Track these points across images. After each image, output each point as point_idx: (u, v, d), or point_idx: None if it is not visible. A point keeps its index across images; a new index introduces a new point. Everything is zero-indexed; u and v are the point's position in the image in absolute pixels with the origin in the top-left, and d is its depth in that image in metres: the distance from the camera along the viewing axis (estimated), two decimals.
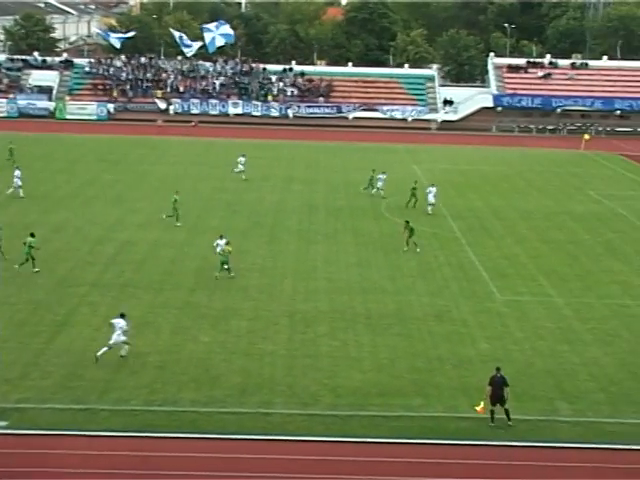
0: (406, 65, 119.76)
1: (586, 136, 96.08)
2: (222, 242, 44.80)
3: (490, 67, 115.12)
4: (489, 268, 47.70)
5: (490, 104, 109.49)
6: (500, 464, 27.04)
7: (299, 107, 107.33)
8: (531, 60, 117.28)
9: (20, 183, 60.12)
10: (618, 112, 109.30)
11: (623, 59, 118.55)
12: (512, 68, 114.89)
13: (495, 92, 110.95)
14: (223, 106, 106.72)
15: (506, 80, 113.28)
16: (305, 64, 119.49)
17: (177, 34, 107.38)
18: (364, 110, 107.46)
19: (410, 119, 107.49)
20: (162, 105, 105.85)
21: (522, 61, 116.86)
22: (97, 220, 54.65)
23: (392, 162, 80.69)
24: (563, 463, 27.25)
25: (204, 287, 42.76)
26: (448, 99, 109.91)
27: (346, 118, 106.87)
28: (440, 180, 66.80)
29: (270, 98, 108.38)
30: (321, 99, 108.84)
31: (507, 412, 29.40)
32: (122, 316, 34.14)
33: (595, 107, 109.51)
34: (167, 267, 45.96)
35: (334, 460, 26.98)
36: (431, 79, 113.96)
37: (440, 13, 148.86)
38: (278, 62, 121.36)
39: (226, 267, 43.80)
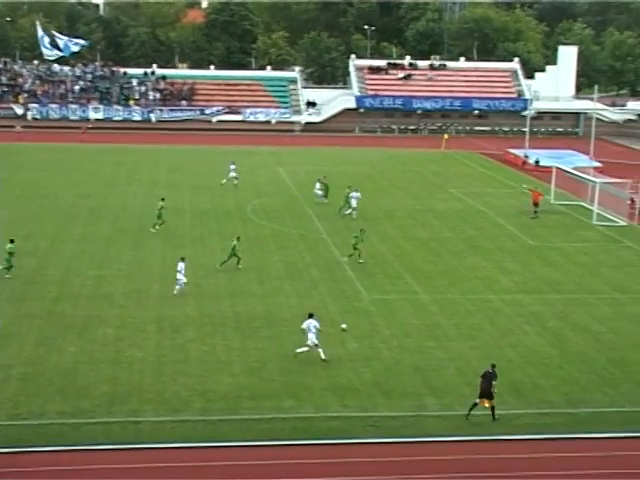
0: (268, 67, 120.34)
1: (446, 136, 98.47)
2: (183, 265, 42.42)
3: (352, 69, 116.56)
4: (356, 268, 48.16)
5: (353, 105, 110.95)
6: (370, 461, 27.31)
7: (161, 111, 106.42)
8: (391, 62, 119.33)
9: None
10: (476, 112, 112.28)
11: (479, 60, 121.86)
12: (373, 70, 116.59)
13: (357, 93, 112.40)
14: (83, 111, 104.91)
15: (368, 82, 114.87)
16: (167, 67, 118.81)
17: (41, 33, 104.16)
18: (227, 113, 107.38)
19: (273, 121, 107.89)
20: (19, 110, 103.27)
21: (383, 62, 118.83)
22: None
23: (256, 164, 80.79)
24: (432, 457, 27.73)
25: (68, 296, 41.83)
26: (311, 101, 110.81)
27: (209, 121, 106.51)
28: (305, 182, 67.17)
29: (132, 102, 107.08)
30: (184, 103, 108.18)
31: (493, 409, 29.85)
32: (310, 316, 34.58)
33: (454, 107, 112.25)
34: (30, 276, 44.73)
35: (206, 465, 26.76)
36: (293, 81, 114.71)
37: (301, 15, 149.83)
38: (139, 66, 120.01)
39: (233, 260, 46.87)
